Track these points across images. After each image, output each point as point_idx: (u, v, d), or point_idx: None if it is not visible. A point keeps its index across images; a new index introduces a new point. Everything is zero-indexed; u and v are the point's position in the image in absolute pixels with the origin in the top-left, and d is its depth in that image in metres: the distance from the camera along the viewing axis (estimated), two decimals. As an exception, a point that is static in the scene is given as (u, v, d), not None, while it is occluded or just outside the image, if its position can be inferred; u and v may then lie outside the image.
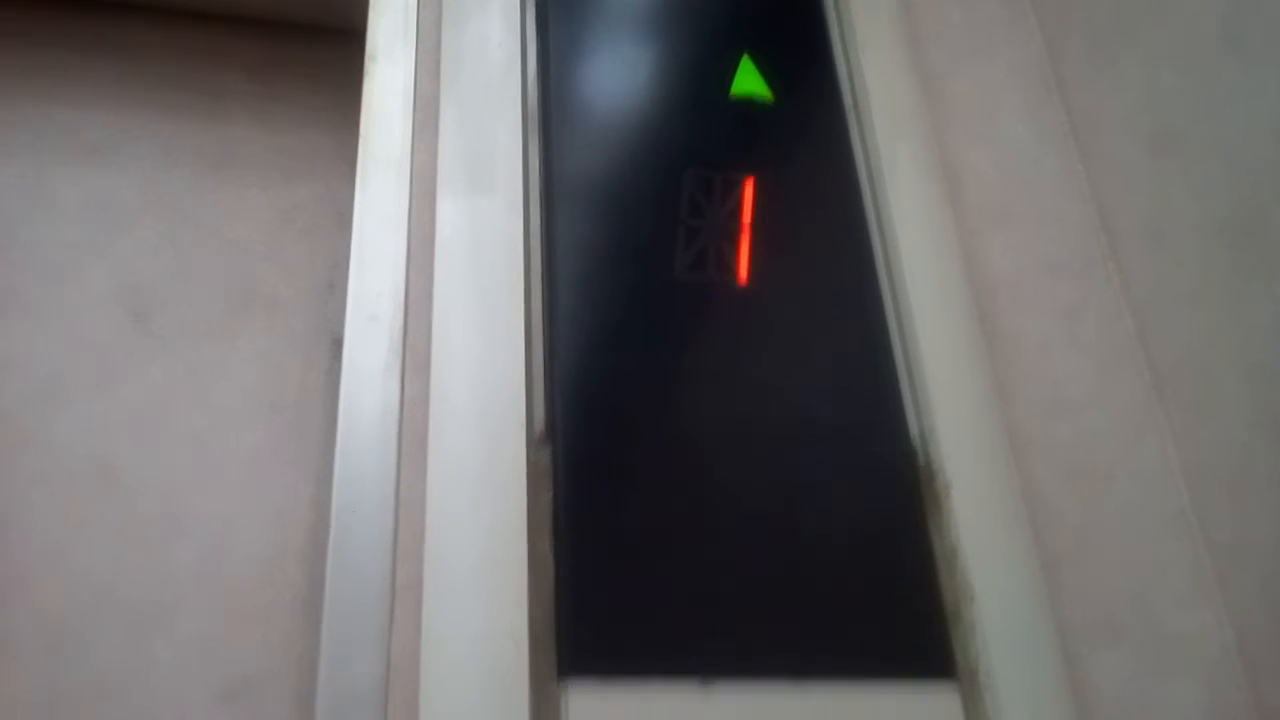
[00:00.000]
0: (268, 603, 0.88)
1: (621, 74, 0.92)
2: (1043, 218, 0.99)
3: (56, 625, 0.84)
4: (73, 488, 0.88)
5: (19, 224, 0.96)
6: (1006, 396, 0.89)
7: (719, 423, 0.80)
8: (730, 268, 0.86)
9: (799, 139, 0.94)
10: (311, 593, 0.88)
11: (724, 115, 0.93)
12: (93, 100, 1.04)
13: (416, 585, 0.71)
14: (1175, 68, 0.91)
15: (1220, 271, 0.86)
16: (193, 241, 0.99)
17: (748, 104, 0.94)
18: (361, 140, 0.85)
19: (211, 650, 0.86)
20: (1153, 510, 0.88)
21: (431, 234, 0.82)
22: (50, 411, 0.89)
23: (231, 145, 1.04)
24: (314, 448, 0.93)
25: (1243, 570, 0.84)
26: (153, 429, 0.90)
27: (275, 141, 1.06)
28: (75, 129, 1.02)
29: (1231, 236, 0.85)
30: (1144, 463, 0.89)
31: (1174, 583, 0.86)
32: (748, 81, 0.94)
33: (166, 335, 0.94)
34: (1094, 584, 0.84)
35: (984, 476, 0.82)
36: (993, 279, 0.95)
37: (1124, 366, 0.93)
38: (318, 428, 0.93)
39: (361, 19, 0.92)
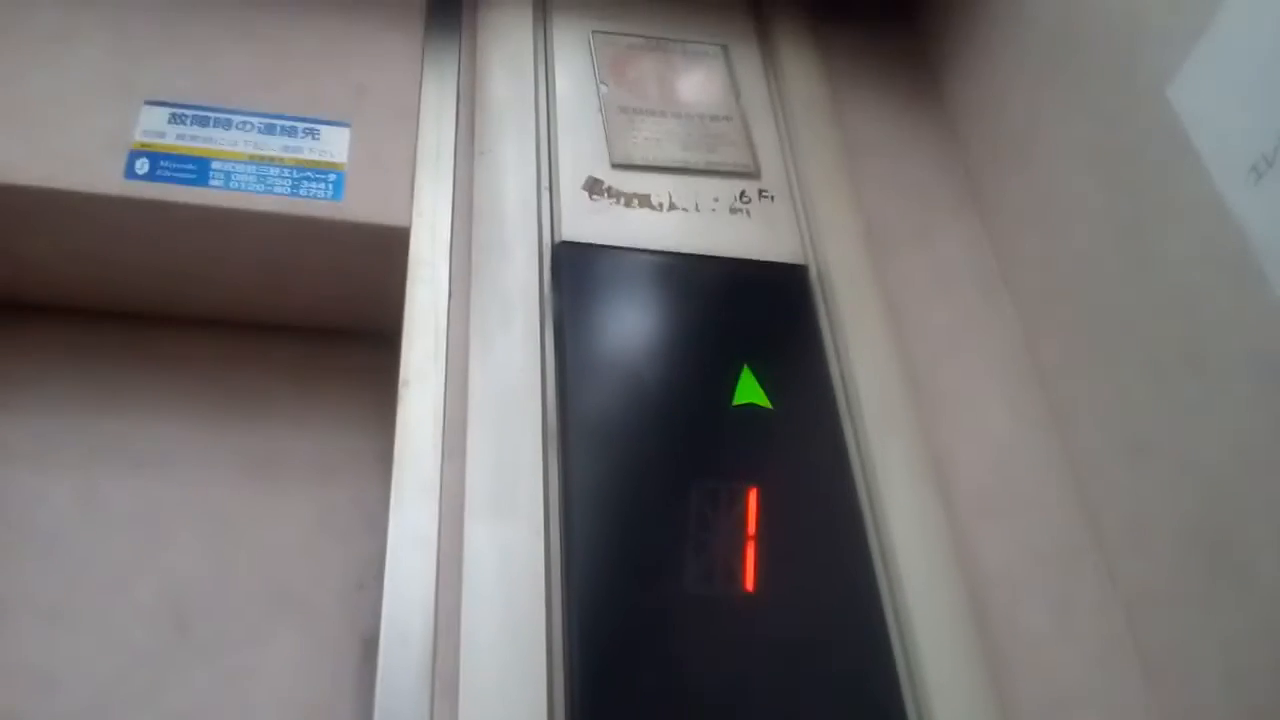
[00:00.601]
0: None
1: (632, 392, 1.00)
2: (1030, 510, 1.05)
3: None
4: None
5: (71, 537, 1.02)
6: (1003, 693, 0.93)
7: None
8: (737, 579, 0.92)
9: (797, 444, 1.01)
10: None
11: (727, 426, 1.00)
12: (141, 410, 1.12)
13: None
14: (1143, 379, 0.99)
15: (1197, 577, 0.91)
16: (233, 547, 1.05)
17: (748, 412, 1.02)
18: (395, 463, 0.92)
19: None
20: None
21: (459, 554, 0.88)
22: (98, 726, 0.94)
23: (273, 448, 1.12)
24: (345, 754, 0.97)
25: None
26: (192, 740, 0.95)
27: (314, 444, 1.13)
28: (125, 440, 1.09)
29: (1205, 545, 0.91)
30: (1139, 762, 0.93)
31: None
32: (748, 391, 1.02)
33: (206, 644, 0.99)
34: None
35: (988, 788, 0.86)
36: (986, 573, 1.00)
37: (1116, 659, 0.97)
38: (347, 730, 0.98)
39: (396, 327, 1.01)
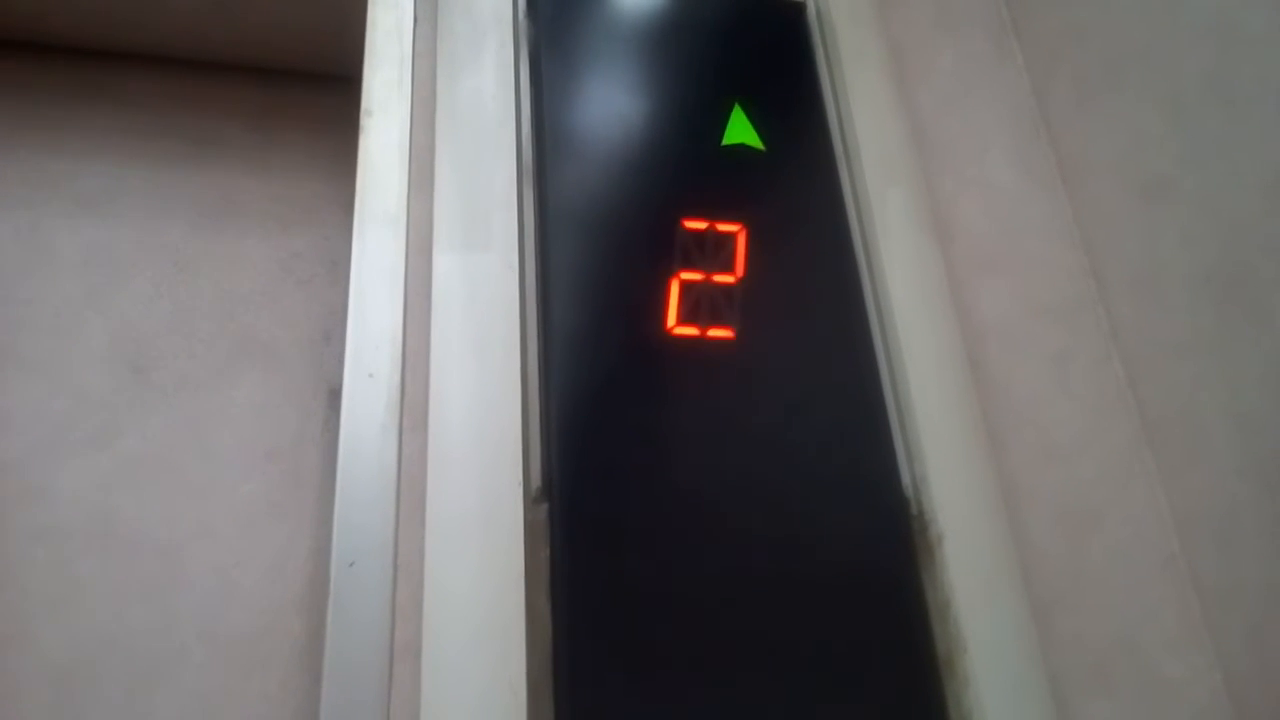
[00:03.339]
0: (267, 654, 0.89)
1: (615, 125, 0.93)
2: (1032, 263, 0.99)
3: (59, 678, 0.85)
4: (73, 541, 0.88)
5: (17, 277, 0.96)
6: (997, 443, 0.90)
7: (712, 476, 0.81)
8: (723, 320, 0.87)
9: (790, 188, 0.95)
10: (310, 643, 0.89)
11: (716, 165, 0.94)
12: (89, 150, 1.04)
13: (415, 640, 0.72)
14: (1162, 115, 0.92)
15: (1209, 321, 0.87)
16: (190, 292, 0.99)
17: (739, 153, 0.95)
18: (358, 195, 0.86)
19: (211, 702, 0.86)
20: (1142, 556, 0.89)
21: (428, 288, 0.83)
22: (51, 465, 0.90)
23: (229, 193, 1.05)
24: (311, 497, 0.93)
25: (1231, 615, 0.85)
26: (152, 481, 0.91)
27: (273, 189, 1.06)
28: (72, 179, 1.02)
29: (1220, 287, 0.86)
30: (1133, 508, 0.90)
31: (1164, 628, 0.87)
32: (739, 131, 0.95)
33: (165, 387, 0.95)
34: (1085, 630, 0.85)
35: (976, 527, 0.84)
36: (983, 325, 0.96)
37: (1113, 412, 0.94)
38: (314, 477, 0.94)
39: (358, 66, 0.93)
